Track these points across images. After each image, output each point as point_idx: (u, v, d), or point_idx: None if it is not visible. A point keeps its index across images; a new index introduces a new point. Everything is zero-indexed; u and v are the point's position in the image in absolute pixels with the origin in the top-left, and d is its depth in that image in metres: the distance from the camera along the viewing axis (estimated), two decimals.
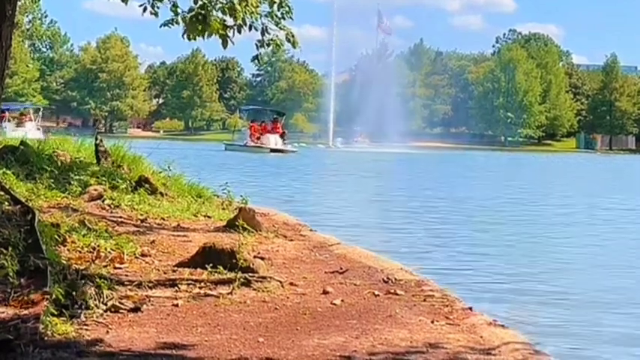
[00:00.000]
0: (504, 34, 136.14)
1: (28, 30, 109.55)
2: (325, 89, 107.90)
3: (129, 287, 6.25)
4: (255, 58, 8.68)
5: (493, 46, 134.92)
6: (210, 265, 6.90)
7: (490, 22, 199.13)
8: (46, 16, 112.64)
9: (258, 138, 63.61)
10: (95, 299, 5.69)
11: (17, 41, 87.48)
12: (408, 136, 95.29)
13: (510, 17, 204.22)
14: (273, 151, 60.30)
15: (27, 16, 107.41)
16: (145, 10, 7.88)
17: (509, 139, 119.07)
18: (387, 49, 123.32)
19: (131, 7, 7.90)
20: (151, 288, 6.34)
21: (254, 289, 6.58)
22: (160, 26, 7.96)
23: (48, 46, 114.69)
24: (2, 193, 8.66)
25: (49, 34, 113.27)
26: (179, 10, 7.77)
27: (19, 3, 7.28)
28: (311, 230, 10.95)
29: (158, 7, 7.90)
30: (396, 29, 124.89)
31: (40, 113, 67.45)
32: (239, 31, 7.69)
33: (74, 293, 5.59)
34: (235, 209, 10.92)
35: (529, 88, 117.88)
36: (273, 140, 63.24)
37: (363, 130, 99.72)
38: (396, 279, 7.30)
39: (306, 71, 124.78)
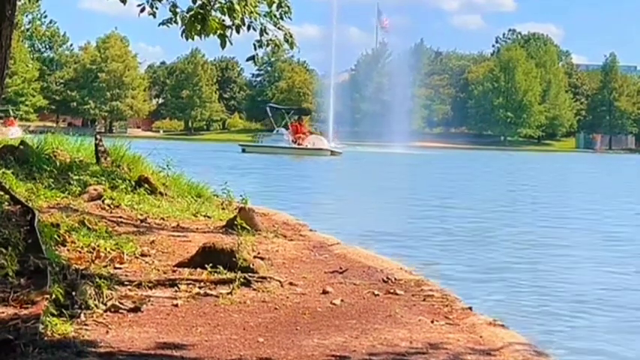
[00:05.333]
0: (504, 34, 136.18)
1: (27, 30, 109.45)
2: (325, 89, 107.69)
3: (129, 287, 6.25)
4: (252, 58, 8.53)
5: (493, 46, 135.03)
6: (210, 265, 6.91)
7: (489, 22, 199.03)
8: (45, 17, 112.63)
9: (302, 139, 59.20)
10: (95, 299, 5.69)
11: (17, 41, 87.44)
12: (408, 136, 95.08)
13: (510, 17, 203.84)
14: (332, 153, 56.43)
15: (26, 16, 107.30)
16: (142, 10, 7.85)
17: (509, 138, 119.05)
18: (387, 49, 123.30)
19: (130, 6, 7.85)
20: (150, 288, 6.34)
21: (254, 289, 6.58)
22: (159, 25, 7.94)
23: (47, 46, 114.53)
24: (2, 193, 8.66)
25: (49, 34, 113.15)
26: (178, 10, 7.76)
27: (18, 3, 7.28)
28: (311, 230, 10.96)
29: (157, 8, 7.87)
30: (395, 28, 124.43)
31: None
32: (237, 31, 7.68)
33: (74, 293, 5.59)
34: (235, 209, 10.92)
35: (528, 88, 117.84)
36: (326, 141, 59.23)
37: (364, 130, 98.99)
38: (395, 279, 7.30)
39: (306, 71, 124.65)
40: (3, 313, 5.12)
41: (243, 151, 61.34)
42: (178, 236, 8.93)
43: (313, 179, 35.81)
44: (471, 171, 47.42)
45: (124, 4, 7.79)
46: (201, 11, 7.48)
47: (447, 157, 70.09)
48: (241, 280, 6.60)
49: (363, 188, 29.67)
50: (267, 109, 73.74)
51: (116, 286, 6.12)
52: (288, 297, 6.45)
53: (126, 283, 6.33)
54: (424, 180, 37.85)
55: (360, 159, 56.28)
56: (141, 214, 10.20)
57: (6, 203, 8.23)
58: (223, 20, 7.59)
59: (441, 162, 58.53)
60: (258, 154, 56.43)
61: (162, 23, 7.87)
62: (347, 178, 38.24)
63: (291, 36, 8.19)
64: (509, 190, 31.80)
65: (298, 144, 59.77)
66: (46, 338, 4.77)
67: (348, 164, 50.61)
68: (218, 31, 7.53)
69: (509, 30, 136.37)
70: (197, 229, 9.76)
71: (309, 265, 8.00)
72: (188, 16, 7.55)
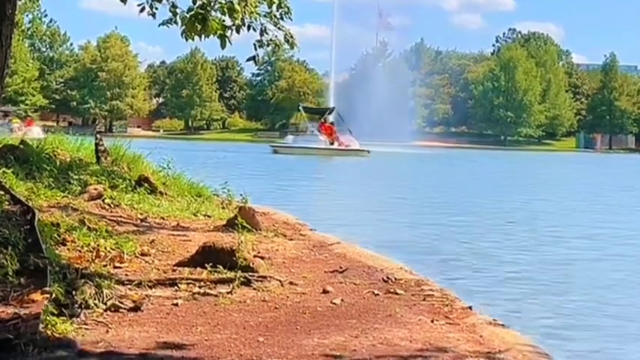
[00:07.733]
0: (504, 34, 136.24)
1: (28, 29, 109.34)
2: (325, 88, 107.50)
3: (129, 286, 6.25)
4: (252, 58, 8.51)
5: (493, 46, 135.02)
6: (210, 264, 6.91)
7: (489, 21, 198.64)
8: (45, 16, 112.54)
9: (337, 140, 57.40)
10: (95, 298, 5.69)
11: (17, 40, 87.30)
12: (408, 135, 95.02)
13: (509, 16, 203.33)
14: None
15: (27, 15, 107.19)
16: (142, 10, 7.84)
17: (509, 138, 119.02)
18: (387, 49, 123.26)
19: (130, 6, 7.84)
20: (150, 287, 6.34)
21: (254, 289, 6.58)
22: (159, 25, 7.93)
23: (48, 46, 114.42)
24: (2, 192, 8.66)
25: (49, 34, 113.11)
26: (178, 10, 7.75)
27: (19, 2, 7.28)
28: (311, 229, 10.96)
29: (157, 8, 7.87)
30: (395, 28, 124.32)
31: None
32: (237, 32, 7.67)
33: (74, 292, 5.59)
34: (235, 208, 10.92)
35: (529, 88, 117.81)
36: (357, 141, 57.35)
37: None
38: (395, 278, 7.31)
39: (306, 70, 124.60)
40: (3, 312, 5.12)
41: (275, 152, 58.66)
42: (178, 235, 8.93)
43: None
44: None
45: (124, 3, 7.80)
46: (202, 11, 7.47)
47: (461, 156, 69.61)
48: (241, 279, 6.61)
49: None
50: (301, 109, 71.94)
51: (116, 286, 6.11)
52: (288, 296, 6.45)
53: (126, 282, 6.33)
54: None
55: (391, 159, 54.59)
56: (141, 214, 10.20)
57: (6, 202, 8.23)
58: (223, 20, 7.59)
59: (465, 161, 58.11)
60: (291, 155, 53.77)
61: (163, 24, 7.87)
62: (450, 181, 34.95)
63: (291, 36, 8.19)
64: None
65: (339, 144, 57.78)
66: (46, 337, 4.77)
67: (413, 166, 47.87)
68: (218, 32, 7.52)
69: (510, 29, 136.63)
70: (197, 228, 9.76)
71: (309, 264, 8.01)
72: (188, 16, 7.54)
